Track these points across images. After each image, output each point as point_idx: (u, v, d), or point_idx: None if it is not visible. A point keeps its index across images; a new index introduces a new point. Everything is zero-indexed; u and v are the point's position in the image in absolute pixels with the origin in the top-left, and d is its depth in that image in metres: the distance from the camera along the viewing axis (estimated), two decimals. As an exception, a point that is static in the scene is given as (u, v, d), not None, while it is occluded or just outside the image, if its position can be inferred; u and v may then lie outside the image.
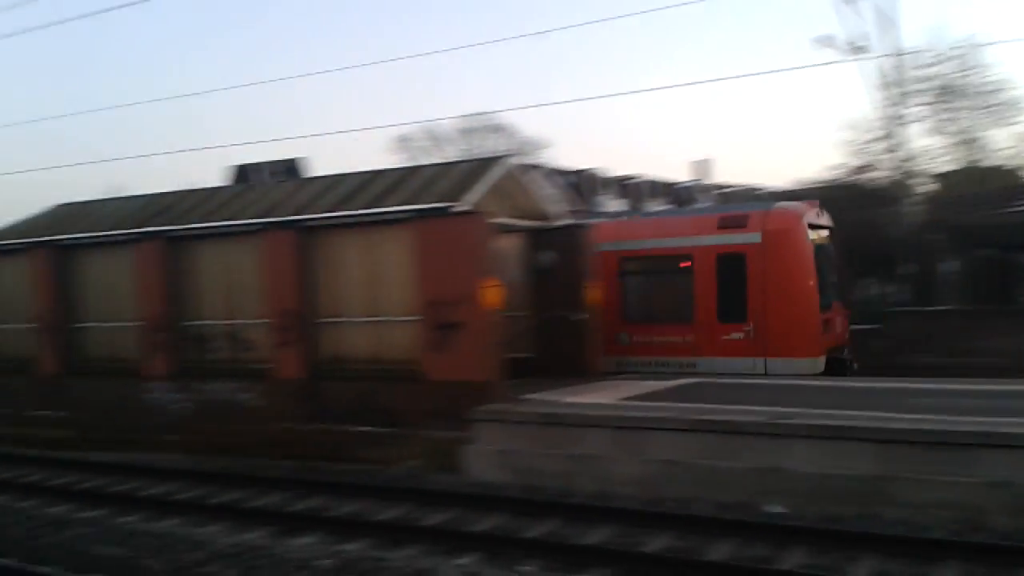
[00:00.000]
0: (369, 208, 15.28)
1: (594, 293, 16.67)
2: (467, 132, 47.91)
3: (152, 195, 19.56)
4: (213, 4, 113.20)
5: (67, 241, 18.17)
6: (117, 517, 11.30)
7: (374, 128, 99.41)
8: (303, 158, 28.75)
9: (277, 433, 14.83)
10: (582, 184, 55.65)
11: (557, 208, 17.72)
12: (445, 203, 14.34)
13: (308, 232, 15.67)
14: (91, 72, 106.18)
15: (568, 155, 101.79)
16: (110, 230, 17.93)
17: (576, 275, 16.65)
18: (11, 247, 18.94)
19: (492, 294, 13.92)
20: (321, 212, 15.81)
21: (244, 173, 28.68)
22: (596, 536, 9.45)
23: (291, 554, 9.21)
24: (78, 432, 16.92)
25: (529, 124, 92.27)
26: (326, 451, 14.11)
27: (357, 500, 11.57)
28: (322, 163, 49.42)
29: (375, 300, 15.27)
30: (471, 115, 48.03)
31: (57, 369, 18.05)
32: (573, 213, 19.62)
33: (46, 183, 67.06)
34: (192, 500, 12.04)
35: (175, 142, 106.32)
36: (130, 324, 17.48)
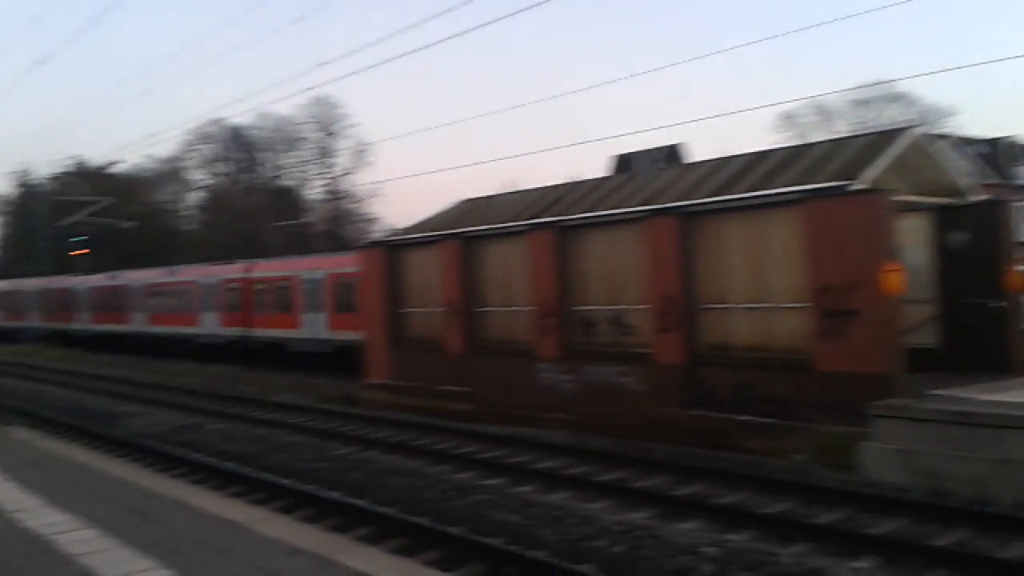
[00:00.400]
0: (754, 191, 14.72)
1: (1017, 277, 14.49)
2: (860, 104, 44.58)
3: (545, 188, 20.67)
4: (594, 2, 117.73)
5: (471, 233, 19.84)
6: (513, 487, 11.94)
7: (755, 108, 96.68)
8: (683, 144, 28.77)
9: (656, 417, 14.87)
10: (999, 154, 48.99)
11: (969, 182, 15.66)
12: (840, 182, 13.32)
13: (690, 218, 15.50)
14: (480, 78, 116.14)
15: (980, 122, 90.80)
16: (507, 222, 19.26)
17: (993, 257, 14.59)
18: (425, 239, 21.16)
19: (893, 279, 12.65)
20: (703, 197, 15.56)
21: (626, 162, 29.44)
22: (1015, 551, 8.20)
23: (675, 537, 9.09)
24: (478, 406, 18.46)
25: (933, 90, 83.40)
26: (705, 438, 13.87)
27: (740, 490, 11.17)
28: (702, 148, 49.07)
29: (759, 286, 14.68)
30: (865, 85, 44.61)
31: (462, 349, 19.81)
32: (988, 188, 17.22)
33: (454, 181, 74.49)
34: (579, 476, 12.38)
35: (563, 137, 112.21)
36: (524, 308, 18.64)
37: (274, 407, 21.18)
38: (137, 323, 41.53)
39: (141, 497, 7.22)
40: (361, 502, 11.27)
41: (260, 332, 32.55)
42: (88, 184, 70.18)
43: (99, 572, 5.23)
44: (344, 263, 27.53)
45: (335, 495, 11.69)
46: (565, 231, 17.80)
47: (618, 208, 17.04)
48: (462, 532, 9.66)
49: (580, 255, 17.67)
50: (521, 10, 20.25)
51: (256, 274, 33.44)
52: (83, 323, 46.62)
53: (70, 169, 72.23)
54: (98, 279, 45.75)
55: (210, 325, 35.75)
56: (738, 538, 9.08)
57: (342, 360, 26.06)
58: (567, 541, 9.26)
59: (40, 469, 8.51)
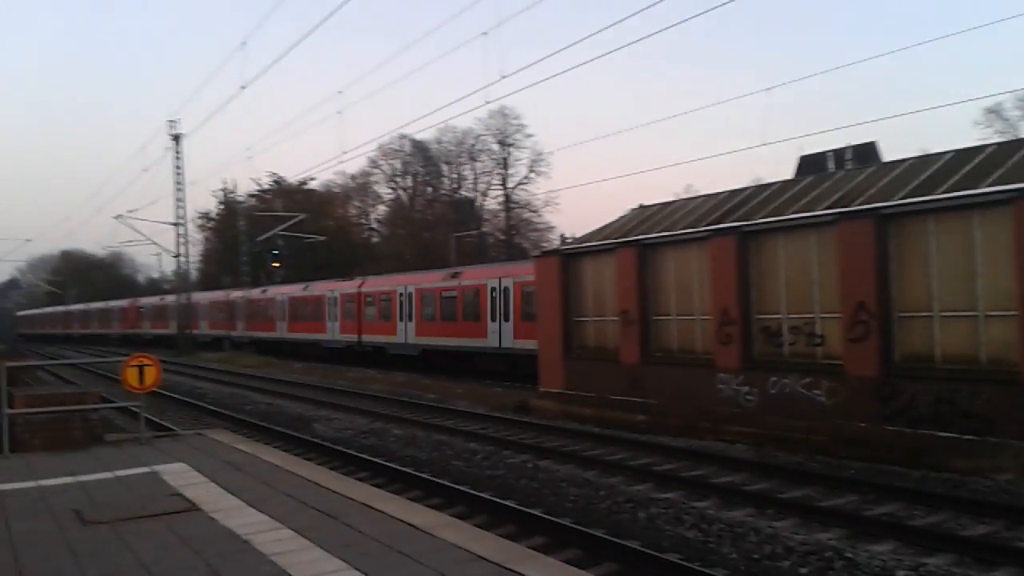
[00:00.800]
0: (959, 191, 13.62)
1: None
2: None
3: (725, 193, 20.05)
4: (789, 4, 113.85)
5: (648, 240, 19.53)
6: (690, 501, 11.60)
7: (955, 103, 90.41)
8: (874, 142, 27.19)
9: (847, 432, 14.04)
10: None
11: None
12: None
13: (887, 220, 14.54)
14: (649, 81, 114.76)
15: None
16: (686, 228, 18.82)
17: None
18: (600, 247, 21.03)
19: None
20: (902, 198, 14.55)
21: (814, 162, 28.14)
22: None
23: (866, 560, 8.50)
24: (653, 417, 18.13)
25: None
26: (899, 455, 13.01)
27: (938, 511, 10.42)
28: (896, 146, 46.37)
29: (963, 292, 13.56)
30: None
31: (637, 358, 19.50)
32: None
33: (628, 188, 74.16)
34: (762, 492, 11.89)
35: (743, 140, 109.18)
36: (703, 317, 18.14)
37: (451, 414, 21.71)
38: (280, 330, 49.10)
39: (330, 499, 7.49)
40: (536, 511, 11.29)
41: (368, 338, 39.53)
42: (284, 200, 74.96)
43: (293, 572, 5.42)
44: (474, 275, 31.96)
45: (510, 503, 11.76)
46: (748, 236, 17.16)
47: (805, 211, 16.24)
48: (638, 545, 9.47)
49: (764, 261, 16.97)
50: (696, 15, 19.78)
51: (366, 289, 39.86)
52: (240, 330, 54.84)
53: (268, 186, 77.41)
54: (253, 293, 54.17)
55: (333, 332, 42.70)
56: (936, 562, 8.44)
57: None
58: (749, 560, 8.88)
59: (237, 470, 9.01)
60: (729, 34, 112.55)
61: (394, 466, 14.82)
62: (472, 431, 18.47)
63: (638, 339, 19.44)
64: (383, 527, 6.49)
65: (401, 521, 6.67)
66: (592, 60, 42.40)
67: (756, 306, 17.03)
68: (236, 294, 56.69)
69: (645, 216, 21.43)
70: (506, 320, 29.11)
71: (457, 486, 13.04)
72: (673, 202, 22.20)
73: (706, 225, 18.20)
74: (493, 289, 29.96)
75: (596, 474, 13.64)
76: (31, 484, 8.42)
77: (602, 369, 20.40)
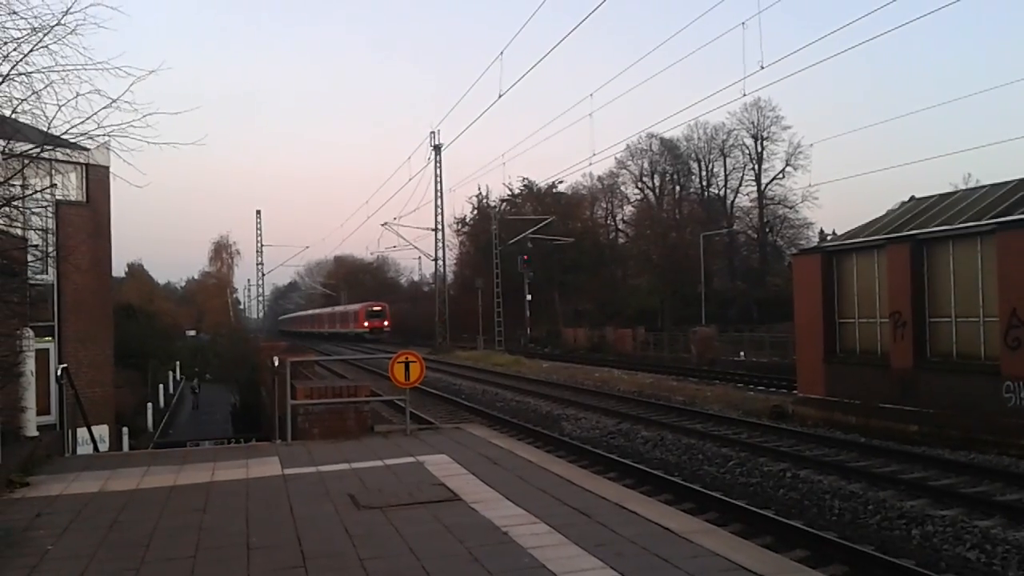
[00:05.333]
0: None
1: None
2: None
3: (1014, 182, 17.97)
4: None
5: (923, 235, 17.96)
6: (971, 519, 10.67)
7: None
8: None
9: None
10: None
11: None
12: None
13: None
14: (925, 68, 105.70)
15: None
16: (968, 221, 17.10)
17: None
18: (867, 244, 19.63)
19: None
20: None
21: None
22: None
23: None
24: (927, 427, 16.63)
25: None
26: None
27: None
28: None
29: None
30: None
31: (909, 363, 17.98)
32: None
33: (895, 181, 68.91)
34: (1058, 514, 10.58)
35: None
36: (987, 319, 16.40)
37: (702, 417, 21.18)
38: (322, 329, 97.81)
39: (583, 497, 7.47)
40: (797, 523, 10.76)
41: (341, 330, 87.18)
42: (533, 204, 77.09)
43: (551, 567, 5.43)
44: (350, 305, 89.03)
45: (767, 512, 11.27)
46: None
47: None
48: (913, 564, 8.75)
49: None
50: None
51: (338, 309, 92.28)
52: (306, 328, 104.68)
53: (519, 191, 79.93)
54: (324, 309, 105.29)
55: (336, 327, 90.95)
56: None
57: None
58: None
59: (494, 464, 9.25)
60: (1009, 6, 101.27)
61: (643, 468, 14.70)
62: (724, 436, 17.90)
63: (911, 342, 17.92)
64: (637, 528, 6.36)
65: (655, 524, 6.51)
66: (853, 47, 39.62)
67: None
68: (322, 310, 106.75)
69: (919, 209, 19.74)
70: (355, 322, 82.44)
71: (710, 492, 12.71)
72: (951, 194, 20.29)
73: (992, 217, 16.43)
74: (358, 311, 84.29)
75: (863, 487, 12.76)
76: (311, 470, 9.12)
77: (868, 374, 19.03)
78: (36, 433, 11.09)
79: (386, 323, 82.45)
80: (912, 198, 21.00)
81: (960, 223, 17.22)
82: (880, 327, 19.09)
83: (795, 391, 22.31)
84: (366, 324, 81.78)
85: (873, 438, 17.01)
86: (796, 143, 69.67)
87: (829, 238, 22.11)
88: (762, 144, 72.18)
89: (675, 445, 17.25)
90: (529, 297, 62.57)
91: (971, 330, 16.90)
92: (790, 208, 71.31)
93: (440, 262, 63.85)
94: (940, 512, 11.11)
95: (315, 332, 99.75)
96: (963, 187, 25.25)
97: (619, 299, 70.12)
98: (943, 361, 17.44)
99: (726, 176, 75.67)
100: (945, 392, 16.83)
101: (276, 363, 14.02)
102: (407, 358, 11.74)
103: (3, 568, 5.71)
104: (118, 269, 64.21)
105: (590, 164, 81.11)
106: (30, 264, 10.32)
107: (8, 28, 8.00)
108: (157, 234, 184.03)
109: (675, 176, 78.89)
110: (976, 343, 16.74)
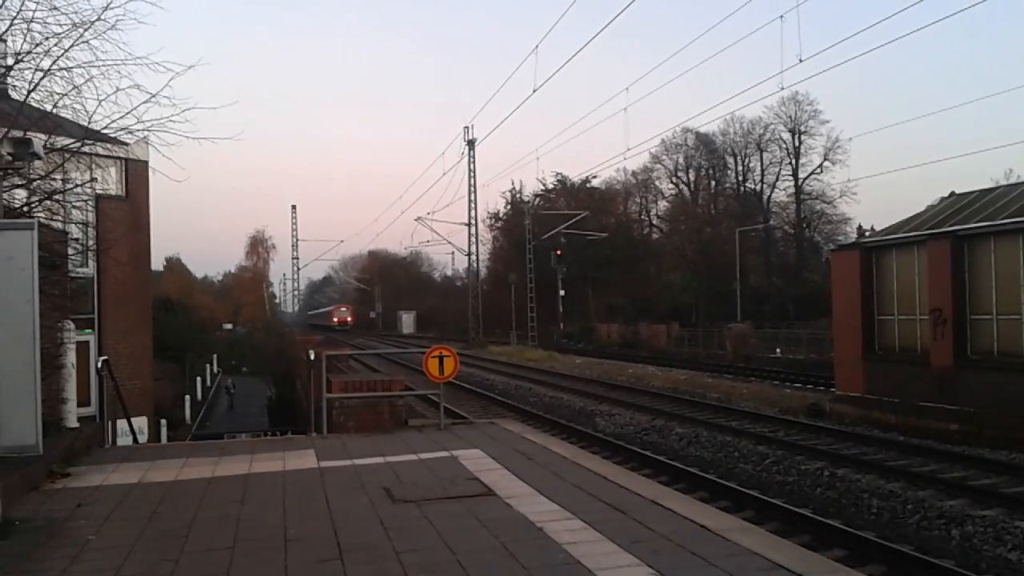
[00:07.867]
0: None
1: None
2: None
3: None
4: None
5: (965, 231, 17.64)
6: (1013, 520, 10.49)
7: None
8: None
9: None
10: None
11: None
12: None
13: None
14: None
15: None
16: (1009, 217, 16.77)
17: None
18: (907, 240, 19.33)
19: None
20: None
21: None
22: None
23: None
24: (968, 426, 16.34)
25: None
26: None
27: None
28: None
29: None
30: None
31: (950, 361, 17.68)
32: None
33: (935, 176, 67.66)
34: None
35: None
36: (1029, 317, 16.09)
37: (737, 415, 21.01)
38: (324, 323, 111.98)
39: (618, 493, 7.42)
40: (835, 521, 10.63)
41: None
42: (567, 199, 76.88)
43: (586, 563, 5.40)
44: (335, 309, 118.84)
45: (805, 511, 11.16)
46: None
47: None
48: (953, 565, 8.61)
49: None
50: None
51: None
52: (319, 323, 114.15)
53: (552, 186, 79.76)
54: (326, 309, 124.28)
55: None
56: None
57: None
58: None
59: (528, 459, 9.23)
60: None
61: (678, 465, 14.60)
62: (760, 433, 17.73)
63: (951, 340, 17.62)
64: (673, 526, 6.31)
65: (691, 521, 6.45)
66: (894, 40, 38.80)
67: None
68: (324, 309, 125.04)
69: (959, 205, 19.40)
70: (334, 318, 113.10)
71: (746, 490, 12.61)
72: (992, 189, 19.93)
73: (1037, 213, 16.10)
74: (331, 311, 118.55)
75: (901, 486, 12.59)
76: (347, 463, 9.16)
77: (907, 372, 18.74)
78: (76, 424, 11.25)
79: (349, 319, 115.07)
80: (952, 193, 20.63)
81: (1002, 219, 16.89)
82: (920, 324, 18.79)
83: (832, 388, 22.06)
84: (335, 320, 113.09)
85: (912, 437, 16.77)
86: (834, 137, 68.67)
87: (867, 234, 21.76)
88: (799, 138, 71.31)
89: (710, 442, 17.12)
90: (562, 292, 62.36)
91: (1013, 328, 16.58)
92: (828, 203, 70.39)
93: (473, 257, 64.00)
94: (980, 512, 10.94)
95: (322, 325, 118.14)
96: (1004, 182, 24.82)
97: (653, 295, 69.75)
98: (984, 359, 17.12)
99: (762, 171, 74.88)
100: (986, 390, 16.53)
101: (312, 357, 14.12)
102: (441, 353, 11.75)
103: (45, 558, 5.80)
104: (157, 263, 65.17)
105: (624, 159, 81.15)
106: (70, 257, 10.47)
107: (49, 23, 8.12)
108: (195, 228, 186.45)
109: (710, 171, 78.19)
110: (1018, 341, 16.42)
